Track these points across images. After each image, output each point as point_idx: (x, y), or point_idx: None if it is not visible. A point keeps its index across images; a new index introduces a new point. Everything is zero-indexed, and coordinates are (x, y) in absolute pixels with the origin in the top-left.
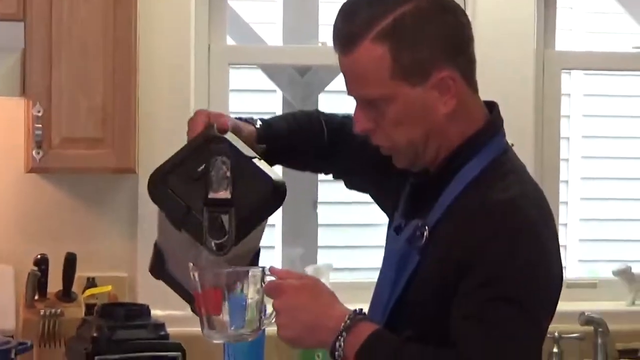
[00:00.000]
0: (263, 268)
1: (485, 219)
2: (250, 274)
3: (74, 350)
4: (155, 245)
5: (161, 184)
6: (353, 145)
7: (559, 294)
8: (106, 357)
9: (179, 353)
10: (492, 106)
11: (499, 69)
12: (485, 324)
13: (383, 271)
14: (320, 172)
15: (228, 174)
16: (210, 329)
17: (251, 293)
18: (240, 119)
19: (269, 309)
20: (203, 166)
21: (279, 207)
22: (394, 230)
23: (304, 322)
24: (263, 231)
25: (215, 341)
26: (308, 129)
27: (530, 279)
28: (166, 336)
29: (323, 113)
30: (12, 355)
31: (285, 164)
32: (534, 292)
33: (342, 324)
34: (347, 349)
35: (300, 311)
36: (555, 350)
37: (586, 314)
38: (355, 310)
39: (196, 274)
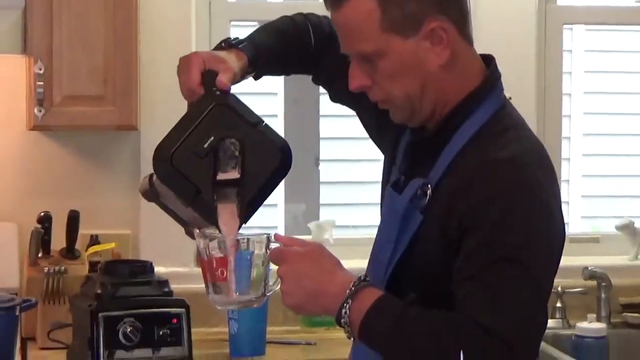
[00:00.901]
0: (268, 235)
1: (485, 178)
2: (255, 241)
3: (77, 307)
4: (151, 176)
5: (167, 162)
6: (339, 58)
7: (562, 251)
8: (110, 314)
9: (183, 309)
10: (489, 60)
11: (501, 25)
12: (488, 285)
13: (383, 229)
14: (304, 74)
15: (237, 153)
16: (215, 295)
17: (256, 260)
18: (218, 46)
19: (274, 276)
20: (210, 140)
21: (286, 175)
22: (392, 186)
23: (307, 289)
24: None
25: (220, 307)
26: (296, 42)
27: (531, 238)
28: (170, 293)
29: (310, 20)
30: (17, 313)
31: (268, 73)
32: (536, 251)
33: (348, 291)
34: (353, 315)
35: (304, 278)
36: (558, 304)
37: (589, 268)
38: (360, 277)
39: (202, 241)
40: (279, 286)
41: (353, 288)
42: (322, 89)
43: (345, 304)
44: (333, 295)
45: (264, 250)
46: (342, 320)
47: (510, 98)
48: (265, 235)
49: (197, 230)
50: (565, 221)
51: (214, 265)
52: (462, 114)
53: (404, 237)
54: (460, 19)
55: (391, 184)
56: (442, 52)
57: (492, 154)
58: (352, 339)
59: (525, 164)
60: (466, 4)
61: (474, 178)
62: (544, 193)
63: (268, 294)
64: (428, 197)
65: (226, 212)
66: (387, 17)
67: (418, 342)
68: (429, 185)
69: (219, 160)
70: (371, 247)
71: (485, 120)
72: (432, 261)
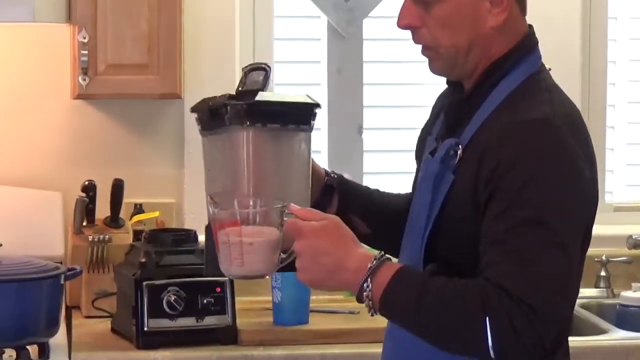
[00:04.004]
0: (283, 205)
1: (513, 138)
2: (266, 211)
3: (122, 276)
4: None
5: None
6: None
7: (594, 218)
8: (154, 282)
9: (226, 278)
10: (529, 28)
11: None
12: (513, 249)
13: (418, 196)
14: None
15: (261, 80)
16: (220, 264)
17: (263, 232)
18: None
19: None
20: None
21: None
22: (429, 154)
23: (325, 265)
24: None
25: (231, 276)
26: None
27: (558, 200)
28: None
29: None
30: (62, 281)
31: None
32: (563, 214)
33: (369, 264)
34: (375, 289)
35: (322, 254)
36: (603, 273)
37: (634, 237)
38: (380, 252)
39: (214, 209)
40: (292, 258)
41: (375, 262)
42: (365, 58)
43: (367, 279)
44: (352, 270)
45: (278, 221)
46: (365, 294)
47: (550, 69)
48: (279, 205)
49: (210, 197)
50: (609, 190)
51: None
52: (500, 71)
53: (437, 198)
54: None
55: (428, 152)
56: (499, 14)
57: (522, 115)
58: (372, 314)
59: (555, 126)
60: None
61: (503, 138)
62: (574, 155)
63: (281, 265)
64: (459, 156)
65: None
66: None
67: (441, 311)
68: (460, 145)
69: (244, 84)
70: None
71: (520, 82)
72: (463, 222)
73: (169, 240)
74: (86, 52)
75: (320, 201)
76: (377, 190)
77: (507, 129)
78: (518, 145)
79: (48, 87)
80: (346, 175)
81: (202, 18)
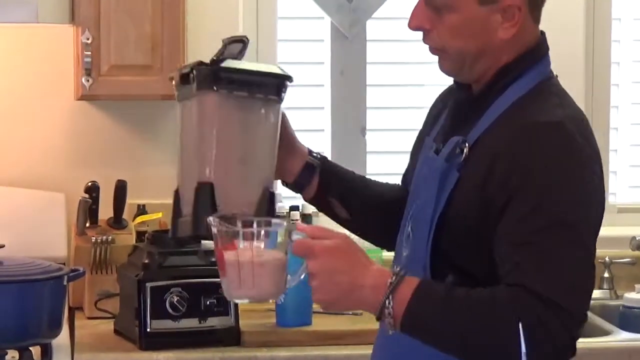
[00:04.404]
0: (290, 224)
1: (530, 140)
2: (273, 231)
3: (125, 277)
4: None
5: None
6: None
7: (602, 217)
8: (157, 284)
9: None
10: (542, 33)
11: None
12: (540, 251)
13: (420, 193)
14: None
15: (237, 51)
16: (227, 287)
17: (273, 253)
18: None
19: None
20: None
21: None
22: (434, 152)
23: (341, 284)
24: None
25: (238, 300)
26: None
27: (579, 201)
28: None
29: None
30: (65, 282)
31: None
32: (584, 214)
33: (389, 281)
34: (396, 306)
35: (337, 274)
36: (606, 275)
37: (637, 238)
38: (397, 268)
39: (215, 229)
40: (300, 278)
41: (394, 277)
42: (369, 59)
43: (388, 296)
44: (369, 287)
45: (285, 242)
46: (386, 311)
47: (557, 76)
48: (285, 225)
49: (211, 218)
50: (613, 191)
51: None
52: (510, 75)
53: (442, 195)
54: (536, 1)
55: (433, 150)
56: (509, 28)
57: (535, 117)
58: (392, 332)
59: (569, 129)
60: None
61: (518, 140)
62: (587, 157)
63: (289, 287)
64: (464, 154)
65: None
66: None
67: (470, 321)
68: (466, 143)
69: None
70: None
71: (533, 86)
72: (469, 219)
73: (172, 241)
74: (89, 53)
75: (300, 179)
76: (362, 177)
77: (521, 131)
78: (534, 148)
79: (51, 88)
80: None
81: (205, 19)
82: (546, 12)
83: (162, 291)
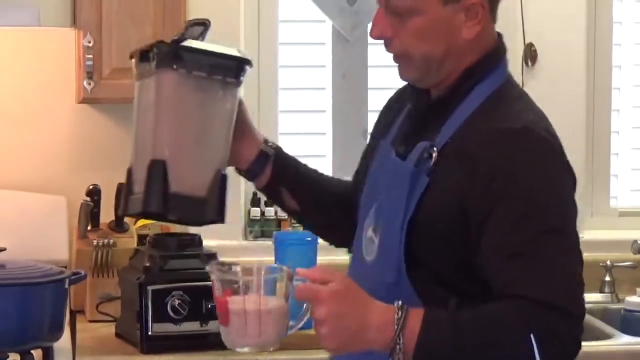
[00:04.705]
0: (290, 269)
1: (516, 145)
2: (275, 277)
3: (126, 280)
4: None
5: None
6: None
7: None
8: (158, 287)
9: None
10: (499, 35)
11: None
12: (537, 259)
13: (387, 196)
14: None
15: (198, 33)
16: (229, 336)
17: (277, 299)
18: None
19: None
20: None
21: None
22: (397, 156)
23: (349, 328)
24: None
25: (242, 348)
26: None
27: (562, 204)
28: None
29: None
30: (66, 285)
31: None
32: (569, 215)
33: (395, 316)
34: (407, 341)
35: (344, 318)
36: (607, 278)
37: (639, 242)
38: (399, 303)
39: (215, 277)
40: (302, 324)
41: (400, 312)
42: (370, 62)
43: (398, 334)
44: (376, 327)
45: (286, 288)
46: (397, 347)
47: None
48: (287, 271)
49: (209, 266)
50: (614, 194)
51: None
52: (471, 81)
53: (412, 199)
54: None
55: (396, 153)
56: (473, 27)
57: (509, 123)
58: None
59: (543, 134)
60: None
61: (498, 145)
62: (563, 160)
63: (290, 333)
64: (434, 159)
65: None
66: None
67: (482, 346)
68: (435, 148)
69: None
70: None
71: (494, 89)
72: (441, 223)
73: (173, 244)
74: (91, 56)
75: (253, 167)
76: (316, 170)
77: (499, 137)
78: (515, 153)
79: (53, 91)
80: None
81: (205, 9)
82: (548, 16)
83: (163, 294)
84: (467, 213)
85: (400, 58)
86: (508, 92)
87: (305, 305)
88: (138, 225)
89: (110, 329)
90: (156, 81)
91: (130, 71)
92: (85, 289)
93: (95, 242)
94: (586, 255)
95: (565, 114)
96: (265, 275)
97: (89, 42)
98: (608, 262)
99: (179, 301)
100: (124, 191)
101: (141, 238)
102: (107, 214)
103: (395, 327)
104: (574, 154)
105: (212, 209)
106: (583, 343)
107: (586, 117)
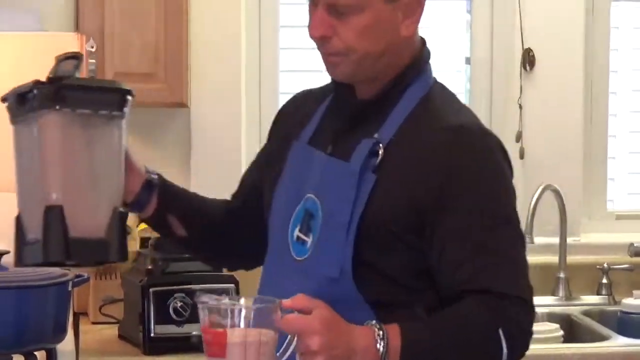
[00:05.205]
0: (276, 302)
1: (467, 143)
2: (269, 309)
3: (129, 283)
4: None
5: None
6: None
7: None
8: (160, 289)
9: (232, 285)
10: (422, 39)
11: (550, 4)
12: (496, 251)
13: (332, 194)
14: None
15: (72, 68)
16: None
17: (272, 331)
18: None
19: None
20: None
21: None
22: (329, 154)
23: (341, 356)
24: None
25: None
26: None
27: (509, 197)
28: (220, 269)
29: None
30: (70, 288)
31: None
32: (514, 205)
33: (377, 338)
34: (391, 357)
35: (335, 347)
36: (604, 281)
37: (635, 245)
38: (373, 322)
39: (208, 310)
40: (287, 355)
41: (381, 333)
42: None
43: (384, 355)
44: (362, 351)
45: (273, 321)
46: None
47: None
48: (278, 302)
49: (199, 299)
50: (611, 198)
51: (212, 338)
52: (406, 80)
53: (360, 196)
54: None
55: (328, 152)
56: (410, 25)
57: (450, 120)
58: None
59: (483, 129)
60: None
61: (444, 144)
62: (503, 153)
63: None
64: (380, 156)
65: None
66: None
67: (458, 348)
68: (381, 145)
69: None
70: None
71: (427, 91)
72: (391, 219)
73: (175, 247)
74: (94, 61)
75: (140, 197)
76: (196, 195)
77: (442, 135)
78: (466, 151)
79: None
80: None
81: (208, 28)
82: (546, 21)
83: (165, 296)
84: (419, 210)
85: (337, 56)
86: (441, 93)
87: (289, 336)
88: (140, 229)
89: (113, 330)
90: (40, 124)
91: (132, 76)
92: (88, 292)
93: None
94: (583, 258)
95: (562, 117)
96: (258, 307)
97: (92, 47)
98: (605, 265)
99: (181, 303)
100: (16, 240)
101: (143, 241)
102: None
103: (379, 347)
104: (571, 157)
105: (114, 249)
106: (580, 345)
107: (583, 121)
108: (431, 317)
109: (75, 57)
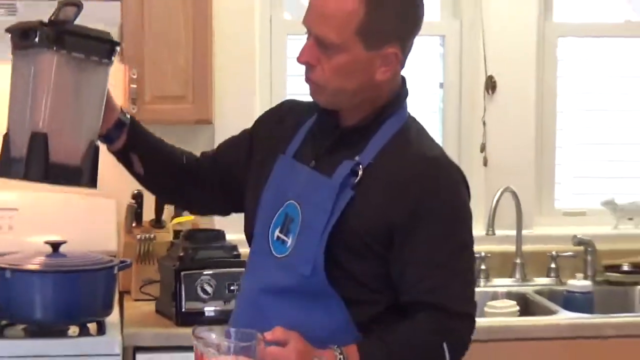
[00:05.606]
0: (258, 335)
1: (428, 173)
2: (246, 348)
3: (164, 267)
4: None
5: None
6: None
7: None
8: (190, 272)
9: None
10: (402, 78)
11: (507, 38)
12: (453, 272)
13: (312, 202)
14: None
15: (72, 15)
16: None
17: None
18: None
19: None
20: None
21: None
22: (313, 169)
23: None
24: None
25: None
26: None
27: (469, 224)
28: (238, 255)
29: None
30: (115, 271)
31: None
32: (471, 233)
33: (337, 359)
34: None
35: None
36: (553, 266)
37: (578, 236)
38: (337, 346)
39: (203, 343)
40: None
41: (341, 357)
42: None
43: None
44: None
45: (254, 354)
46: None
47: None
48: (261, 335)
49: (196, 332)
50: (558, 198)
51: None
52: (387, 112)
53: (337, 208)
54: (408, 50)
55: (312, 166)
56: (386, 72)
57: (426, 151)
58: None
59: (452, 162)
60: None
61: (418, 173)
62: (466, 183)
63: None
64: (359, 176)
65: None
66: (365, 24)
67: (411, 355)
68: (360, 166)
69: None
70: None
71: (404, 121)
72: (362, 235)
73: (202, 238)
74: (135, 86)
75: (110, 133)
76: (162, 142)
77: (419, 163)
78: (438, 180)
79: None
80: None
81: (229, 59)
82: (505, 53)
83: (194, 278)
84: (390, 228)
85: (316, 84)
86: (415, 126)
87: None
88: (173, 223)
89: (151, 306)
90: (37, 60)
91: (166, 98)
92: (131, 274)
93: (138, 236)
94: (536, 247)
95: (518, 132)
96: (245, 340)
97: (134, 74)
98: (553, 253)
99: (207, 284)
100: (1, 153)
101: (176, 233)
102: (148, 214)
103: None
104: (526, 164)
105: (86, 176)
106: (533, 318)
107: (535, 134)
108: (386, 333)
109: (76, 4)
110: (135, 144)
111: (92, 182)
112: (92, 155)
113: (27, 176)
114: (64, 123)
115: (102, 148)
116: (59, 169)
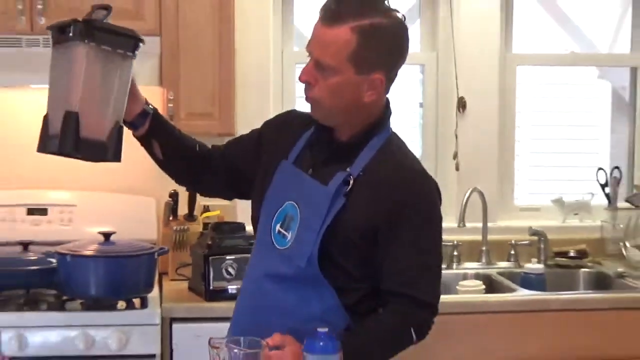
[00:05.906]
0: (263, 343)
1: (408, 183)
2: (251, 355)
3: (196, 253)
4: (66, 114)
5: None
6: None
7: None
8: (217, 257)
9: None
10: (387, 100)
11: (476, 67)
12: (426, 267)
13: (309, 204)
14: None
15: (102, 16)
16: None
17: None
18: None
19: None
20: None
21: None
22: (310, 176)
23: None
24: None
25: None
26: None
27: (440, 228)
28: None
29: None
30: (156, 256)
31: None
32: (441, 237)
33: None
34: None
35: None
36: (512, 252)
37: (533, 228)
38: None
39: (210, 350)
40: None
41: None
42: None
43: None
44: None
45: (263, 354)
46: None
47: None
48: (260, 347)
49: (213, 341)
50: (516, 196)
51: None
52: (371, 134)
53: (331, 212)
54: (393, 77)
55: (310, 173)
56: (371, 95)
57: (406, 164)
58: None
59: (424, 174)
60: (399, 68)
61: (399, 182)
62: (439, 194)
63: None
64: (350, 185)
65: None
66: (356, 52)
67: (384, 346)
68: (352, 177)
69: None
70: None
71: (386, 139)
72: (352, 237)
73: (226, 229)
74: (172, 105)
75: (135, 120)
76: (180, 133)
77: (398, 175)
78: (416, 190)
79: None
80: None
81: (248, 83)
82: (473, 78)
83: (220, 262)
84: (375, 229)
85: (312, 99)
86: (397, 142)
87: None
88: (203, 217)
89: (184, 285)
90: (72, 51)
91: (197, 115)
92: (168, 259)
93: (174, 228)
94: (499, 237)
95: (484, 143)
96: (254, 348)
97: (171, 96)
98: (513, 241)
99: (230, 267)
100: (41, 133)
101: (205, 225)
102: (182, 209)
103: None
104: (490, 169)
105: (111, 151)
106: (494, 295)
107: (498, 144)
108: (364, 324)
109: (106, 8)
110: (156, 132)
111: (116, 157)
112: (117, 134)
113: (60, 149)
114: (93, 104)
115: (127, 132)
116: (87, 144)
